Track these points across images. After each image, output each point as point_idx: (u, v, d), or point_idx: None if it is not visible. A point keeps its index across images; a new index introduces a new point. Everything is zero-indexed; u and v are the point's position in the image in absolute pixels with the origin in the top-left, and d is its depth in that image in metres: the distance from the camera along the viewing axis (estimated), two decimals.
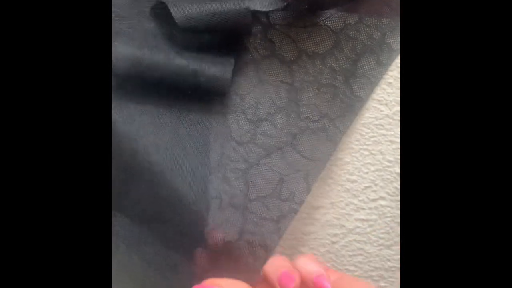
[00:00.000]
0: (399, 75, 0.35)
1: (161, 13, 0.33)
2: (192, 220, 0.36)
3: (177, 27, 0.31)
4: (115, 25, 0.34)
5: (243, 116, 0.35)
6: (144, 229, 0.36)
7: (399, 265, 0.37)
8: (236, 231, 0.36)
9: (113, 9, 0.34)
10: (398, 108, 0.36)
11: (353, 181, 0.37)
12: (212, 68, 0.32)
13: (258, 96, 0.36)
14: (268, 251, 0.35)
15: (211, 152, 0.35)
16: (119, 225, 0.35)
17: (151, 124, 0.35)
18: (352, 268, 0.38)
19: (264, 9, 0.32)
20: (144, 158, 0.34)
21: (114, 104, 0.34)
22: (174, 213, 0.35)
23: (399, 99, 0.36)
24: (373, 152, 0.36)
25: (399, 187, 0.36)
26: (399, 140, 0.36)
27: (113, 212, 0.35)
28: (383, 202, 0.37)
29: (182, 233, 0.36)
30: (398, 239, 0.37)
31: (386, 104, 0.36)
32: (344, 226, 0.37)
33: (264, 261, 0.34)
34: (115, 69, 0.32)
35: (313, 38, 0.35)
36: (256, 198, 0.36)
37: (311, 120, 0.36)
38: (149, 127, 0.34)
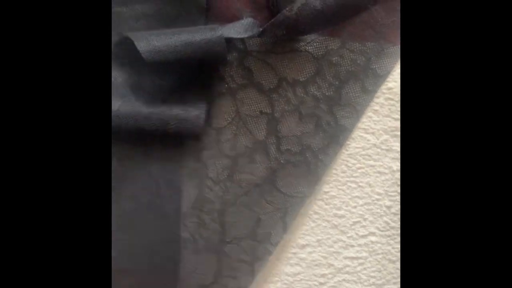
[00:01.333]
0: (385, 102, 0.33)
1: (125, 50, 0.30)
2: (165, 266, 0.32)
3: (145, 65, 0.28)
4: None
5: (219, 152, 0.33)
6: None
7: None
8: (212, 274, 0.33)
9: None
10: (386, 136, 0.34)
11: (341, 216, 0.34)
12: (182, 115, 0.30)
13: (235, 128, 0.33)
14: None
15: (184, 194, 0.32)
16: None
17: (121, 166, 0.31)
18: None
19: (239, 36, 0.30)
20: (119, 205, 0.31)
21: None
22: (146, 260, 0.32)
23: (386, 127, 0.34)
24: (361, 184, 0.34)
25: (389, 221, 0.34)
26: (388, 171, 0.34)
27: None
28: (373, 238, 0.34)
29: (156, 279, 0.33)
30: (390, 277, 0.34)
31: (373, 133, 0.34)
32: (332, 265, 0.34)
33: None
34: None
35: (294, 65, 0.33)
36: (232, 240, 0.33)
37: (292, 153, 0.33)
38: (120, 171, 0.31)
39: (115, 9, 0.31)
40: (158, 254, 0.32)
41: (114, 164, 0.32)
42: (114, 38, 0.31)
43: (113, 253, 0.32)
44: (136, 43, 0.28)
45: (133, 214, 0.32)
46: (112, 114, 0.30)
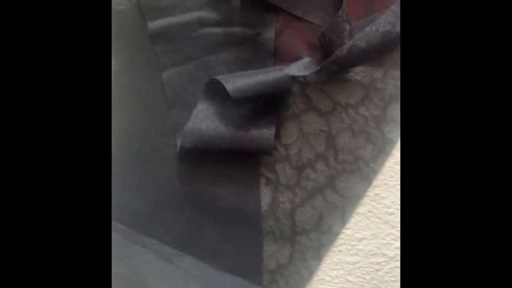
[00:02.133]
0: None
1: (213, 89, 0.39)
2: (252, 249, 0.41)
3: (230, 99, 0.37)
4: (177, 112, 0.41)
5: (288, 164, 0.41)
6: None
7: None
8: (287, 257, 0.41)
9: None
10: None
11: (391, 214, 0.41)
12: (257, 136, 0.39)
13: (300, 145, 0.41)
14: (311, 272, 0.41)
15: (262, 197, 0.41)
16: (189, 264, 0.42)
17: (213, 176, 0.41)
18: None
19: (301, 74, 0.38)
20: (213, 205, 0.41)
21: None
22: (236, 245, 0.41)
23: None
24: None
25: None
26: None
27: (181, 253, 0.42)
28: None
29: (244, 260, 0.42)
30: None
31: None
32: (385, 254, 0.41)
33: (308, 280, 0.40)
34: (182, 143, 0.39)
35: (345, 91, 0.41)
36: (301, 231, 0.41)
37: (347, 162, 0.41)
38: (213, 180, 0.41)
39: (206, 58, 0.41)
40: (245, 241, 0.40)
41: (208, 175, 0.41)
42: (205, 80, 0.40)
43: (207, 237, 0.41)
44: (224, 84, 0.37)
45: (223, 213, 0.41)
46: (205, 138, 0.39)
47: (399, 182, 0.41)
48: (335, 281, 0.42)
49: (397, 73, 0.40)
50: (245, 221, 0.41)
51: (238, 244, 0.41)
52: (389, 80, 0.40)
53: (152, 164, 0.42)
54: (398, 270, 0.41)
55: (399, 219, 0.41)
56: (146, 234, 0.42)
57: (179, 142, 0.41)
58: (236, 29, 0.40)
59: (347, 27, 0.38)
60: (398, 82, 0.40)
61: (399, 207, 0.41)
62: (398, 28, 0.39)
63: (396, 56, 0.40)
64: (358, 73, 0.40)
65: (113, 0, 0.41)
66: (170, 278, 0.42)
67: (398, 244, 0.41)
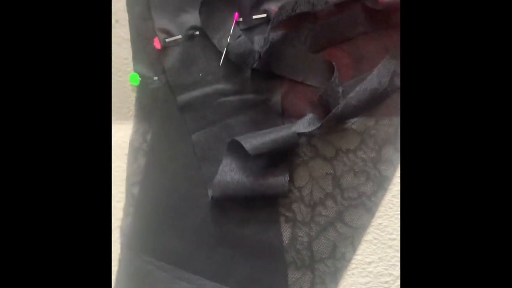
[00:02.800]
0: None
1: (234, 147, 0.48)
2: (277, 278, 0.49)
3: (249, 155, 0.45)
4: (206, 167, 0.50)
5: (302, 203, 0.49)
6: None
7: None
8: (309, 282, 0.49)
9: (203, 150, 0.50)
10: None
11: (393, 239, 0.48)
12: (274, 182, 0.47)
13: (311, 186, 0.49)
14: None
15: (283, 232, 0.48)
16: None
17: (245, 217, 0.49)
18: None
19: (305, 130, 0.46)
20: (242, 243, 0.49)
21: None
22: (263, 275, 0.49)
23: None
24: None
25: None
26: None
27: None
28: None
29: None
30: None
31: None
32: (392, 274, 0.48)
33: None
34: (213, 194, 0.48)
35: (345, 139, 0.48)
36: (319, 260, 0.49)
37: (352, 198, 0.48)
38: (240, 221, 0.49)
39: (226, 121, 0.49)
40: (272, 271, 0.48)
41: (236, 218, 0.49)
42: (227, 139, 0.49)
43: (240, 270, 0.49)
44: (243, 144, 0.46)
45: (251, 249, 0.49)
46: (231, 188, 0.47)
47: (398, 212, 0.48)
48: None
49: (387, 121, 0.47)
50: (271, 254, 0.49)
51: (267, 274, 0.49)
52: (380, 127, 0.48)
53: (189, 212, 0.50)
54: None
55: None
56: (190, 271, 0.50)
57: (210, 192, 0.49)
58: (249, 96, 0.49)
59: (340, 89, 0.45)
60: (388, 128, 0.48)
61: (399, 233, 0.48)
62: (383, 85, 0.47)
63: (383, 107, 0.48)
64: (354, 123, 0.48)
65: (146, 80, 0.50)
66: None
67: None
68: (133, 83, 0.50)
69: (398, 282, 0.48)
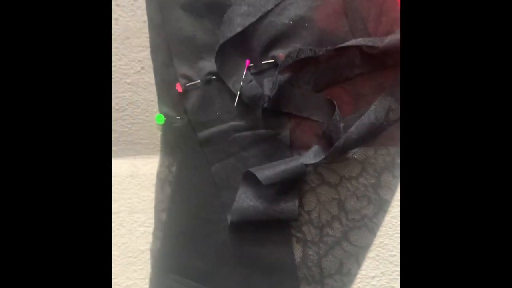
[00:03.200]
0: None
1: (249, 177, 0.54)
2: None
3: (262, 184, 0.51)
4: (225, 195, 0.56)
5: (311, 225, 0.55)
6: None
7: None
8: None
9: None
10: None
11: (393, 255, 0.54)
12: (285, 208, 0.53)
13: (318, 210, 0.55)
14: None
15: (295, 252, 0.54)
16: None
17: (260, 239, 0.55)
18: None
19: (312, 162, 0.52)
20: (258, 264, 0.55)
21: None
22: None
23: None
24: None
25: None
26: None
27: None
28: None
29: None
30: None
31: None
32: (393, 287, 0.54)
33: None
34: (231, 219, 0.54)
35: (347, 168, 0.54)
36: (328, 276, 0.54)
37: (356, 220, 0.54)
38: (255, 244, 0.55)
39: (241, 154, 0.55)
40: (286, 286, 0.54)
41: (252, 240, 0.55)
42: (243, 170, 0.55)
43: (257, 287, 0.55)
44: (256, 175, 0.52)
45: (266, 267, 0.55)
46: (247, 213, 0.53)
47: (397, 231, 0.54)
48: None
49: (384, 150, 0.53)
50: (284, 271, 0.55)
51: None
52: (379, 156, 0.53)
53: (211, 235, 0.56)
54: None
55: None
56: (211, 287, 0.56)
57: (229, 217, 0.55)
58: (261, 131, 0.55)
59: (341, 125, 0.51)
60: (386, 157, 0.53)
61: (399, 250, 0.53)
62: (380, 119, 0.52)
63: (381, 138, 0.54)
64: (355, 153, 0.54)
65: (170, 120, 0.57)
66: None
67: None
68: (159, 122, 0.57)
69: None
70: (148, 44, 0.57)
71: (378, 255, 0.54)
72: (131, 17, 0.57)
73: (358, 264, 0.54)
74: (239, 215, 0.54)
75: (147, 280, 0.58)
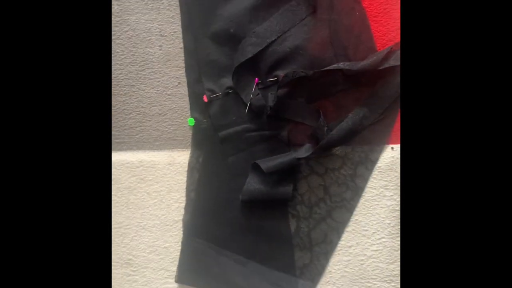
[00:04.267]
0: (379, 176, 0.68)
1: (256, 167, 0.71)
2: (285, 254, 0.71)
3: (265, 172, 0.68)
4: (238, 180, 0.73)
5: (303, 205, 0.71)
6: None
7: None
8: (309, 259, 0.71)
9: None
10: (381, 190, 0.68)
11: (366, 230, 0.69)
12: (282, 190, 0.69)
13: (309, 193, 0.71)
14: (323, 267, 0.70)
15: (290, 224, 0.71)
16: None
17: (264, 213, 0.72)
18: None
19: (303, 156, 0.69)
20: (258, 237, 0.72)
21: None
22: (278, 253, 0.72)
23: (380, 183, 0.68)
24: (372, 213, 0.69)
25: (390, 221, 0.68)
26: (389, 205, 0.68)
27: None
28: (384, 239, 0.68)
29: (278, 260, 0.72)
30: (397, 256, 0.68)
31: (374, 188, 0.68)
32: (365, 254, 0.69)
33: (322, 272, 0.69)
34: (241, 198, 0.71)
35: (331, 161, 0.70)
36: (315, 244, 0.71)
37: (337, 201, 0.70)
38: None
39: (251, 149, 0.72)
40: (284, 250, 0.71)
41: (258, 213, 0.72)
42: (251, 162, 0.72)
43: (261, 249, 0.72)
44: (261, 165, 0.69)
45: (269, 235, 0.71)
46: (254, 194, 0.70)
47: (369, 211, 0.69)
48: (338, 271, 0.70)
49: (359, 148, 0.69)
50: (282, 239, 0.72)
51: (280, 253, 0.72)
52: (355, 153, 0.69)
53: (227, 210, 0.74)
54: (376, 264, 0.69)
55: (371, 232, 0.69)
56: (228, 250, 0.74)
57: (241, 197, 0.72)
58: (265, 132, 0.72)
59: (325, 128, 0.68)
60: (360, 153, 0.69)
61: (370, 229, 0.69)
62: (356, 124, 0.68)
63: (357, 139, 0.69)
64: (337, 150, 0.70)
65: (199, 122, 0.75)
66: (243, 274, 0.73)
67: (372, 248, 0.69)
68: (190, 124, 0.75)
69: (370, 260, 0.69)
70: (183, 65, 0.75)
71: (354, 230, 0.70)
72: (171, 45, 0.75)
73: (339, 236, 0.70)
74: (248, 195, 0.71)
75: (180, 243, 0.77)
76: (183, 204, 0.76)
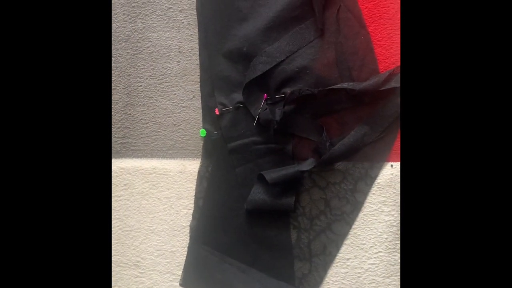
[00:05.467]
0: (379, 190, 0.71)
1: (261, 178, 0.75)
2: (285, 265, 0.74)
3: (268, 184, 0.72)
4: (244, 190, 0.77)
5: (305, 217, 0.74)
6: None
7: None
8: (308, 269, 0.73)
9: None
10: (379, 205, 0.71)
11: (364, 244, 0.72)
12: (285, 201, 0.73)
13: (310, 206, 0.74)
14: (321, 278, 0.72)
15: (291, 235, 0.74)
16: None
17: (268, 223, 0.75)
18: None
19: (306, 169, 0.72)
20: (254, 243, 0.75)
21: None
22: (279, 263, 0.74)
23: (380, 199, 0.71)
24: (371, 228, 0.71)
25: (387, 237, 0.70)
26: (387, 221, 0.70)
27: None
28: (381, 253, 0.70)
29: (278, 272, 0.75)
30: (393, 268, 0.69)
31: (373, 203, 0.71)
32: (363, 267, 0.71)
33: (320, 283, 0.71)
34: (246, 207, 0.75)
35: (332, 175, 0.74)
36: (314, 255, 0.73)
37: (337, 215, 0.73)
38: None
39: (257, 161, 0.76)
40: (284, 260, 0.74)
41: (262, 223, 0.76)
42: (257, 172, 0.76)
43: (263, 258, 0.75)
44: (266, 177, 0.73)
45: (270, 245, 0.74)
46: (258, 203, 0.74)
47: (368, 225, 0.71)
48: (335, 283, 0.73)
49: (360, 164, 0.72)
50: (283, 249, 0.75)
51: (280, 263, 0.75)
52: (355, 168, 0.72)
53: (232, 218, 0.78)
54: (372, 277, 0.71)
55: (368, 246, 0.71)
56: (231, 257, 0.77)
57: (245, 206, 0.76)
58: (272, 145, 0.76)
59: (327, 144, 0.71)
60: (361, 169, 0.72)
61: (367, 243, 0.71)
62: (357, 141, 0.71)
63: (358, 155, 0.72)
64: (339, 165, 0.73)
65: (210, 134, 0.80)
66: (245, 282, 0.76)
67: (370, 261, 0.71)
68: (202, 135, 0.80)
69: (367, 274, 0.71)
70: (198, 80, 0.81)
71: (352, 243, 0.73)
72: (188, 61, 0.81)
73: (337, 248, 0.73)
74: (253, 205, 0.75)
75: (186, 248, 0.80)
76: (191, 211, 0.80)
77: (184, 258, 0.80)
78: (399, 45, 0.72)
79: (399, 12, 0.71)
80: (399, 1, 0.71)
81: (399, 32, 0.71)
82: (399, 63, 0.71)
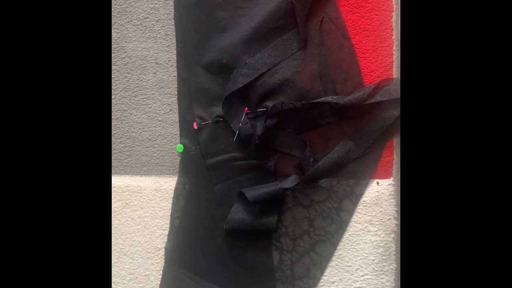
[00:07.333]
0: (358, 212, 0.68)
1: (241, 196, 0.71)
2: None
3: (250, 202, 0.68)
4: (223, 209, 0.73)
5: (287, 237, 0.70)
6: None
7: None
8: (291, 287, 0.69)
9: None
10: (365, 224, 0.67)
11: (349, 266, 0.68)
12: (267, 222, 0.69)
13: (293, 225, 0.70)
14: None
15: (273, 257, 0.70)
16: None
17: (247, 244, 0.71)
18: None
19: (288, 186, 0.68)
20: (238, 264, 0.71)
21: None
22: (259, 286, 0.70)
23: (365, 218, 0.67)
24: (357, 249, 0.67)
25: (377, 267, 0.66)
26: (373, 241, 0.67)
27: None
28: (368, 276, 0.67)
29: None
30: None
31: (359, 222, 0.68)
32: None
33: None
34: (226, 227, 0.70)
35: (316, 193, 0.70)
36: (297, 278, 0.69)
37: (321, 235, 0.69)
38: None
39: (237, 178, 0.72)
40: (265, 283, 0.69)
41: (242, 244, 0.71)
42: (237, 190, 0.72)
43: (242, 282, 0.70)
44: (246, 195, 0.69)
45: (251, 267, 0.70)
46: (238, 223, 0.70)
47: (353, 246, 0.68)
48: None
49: (345, 181, 0.69)
50: (264, 272, 0.71)
51: (261, 286, 0.70)
52: (340, 186, 0.69)
53: (210, 239, 0.73)
54: None
55: (354, 269, 0.67)
56: (209, 280, 0.72)
57: (225, 226, 0.72)
58: (253, 161, 0.72)
59: (311, 160, 0.68)
60: (346, 187, 0.69)
61: (353, 265, 0.67)
62: (342, 157, 0.68)
63: (342, 172, 0.69)
64: (323, 182, 0.70)
65: (188, 149, 0.75)
66: None
67: (355, 284, 0.67)
68: (179, 150, 0.76)
69: None
70: (175, 92, 0.77)
71: (337, 265, 0.69)
72: (165, 72, 0.77)
73: (322, 270, 0.69)
74: (232, 225, 0.71)
75: (161, 272, 0.75)
76: (167, 231, 0.76)
77: (159, 282, 0.75)
78: (384, 58, 0.70)
79: (384, 23, 0.69)
80: (385, 13, 0.69)
81: (384, 45, 0.69)
82: (384, 77, 0.69)
